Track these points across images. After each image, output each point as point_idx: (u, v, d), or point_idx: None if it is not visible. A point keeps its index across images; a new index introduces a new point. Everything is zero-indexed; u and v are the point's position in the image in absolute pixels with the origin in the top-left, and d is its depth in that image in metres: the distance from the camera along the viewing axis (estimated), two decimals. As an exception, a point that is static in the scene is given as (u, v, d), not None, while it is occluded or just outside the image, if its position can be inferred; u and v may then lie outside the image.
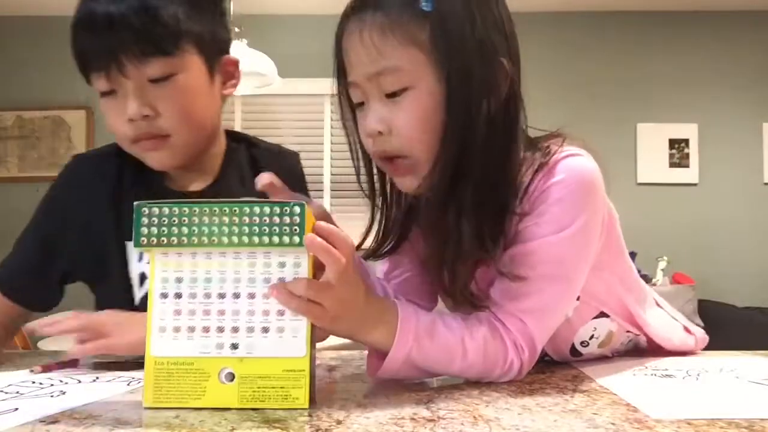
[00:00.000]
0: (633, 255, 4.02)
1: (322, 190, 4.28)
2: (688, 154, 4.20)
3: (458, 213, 0.73)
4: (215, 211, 0.61)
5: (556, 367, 0.84)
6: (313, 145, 4.31)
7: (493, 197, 0.74)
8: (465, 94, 0.71)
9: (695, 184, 4.20)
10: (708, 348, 1.05)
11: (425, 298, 0.89)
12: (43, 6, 4.08)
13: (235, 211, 0.61)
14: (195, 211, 0.61)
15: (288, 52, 3.81)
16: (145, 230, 0.61)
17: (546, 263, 0.73)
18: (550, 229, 0.73)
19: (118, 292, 0.98)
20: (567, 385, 0.73)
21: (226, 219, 0.61)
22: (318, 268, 0.62)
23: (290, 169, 1.09)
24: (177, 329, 0.62)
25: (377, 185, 0.82)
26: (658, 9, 4.18)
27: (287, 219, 0.60)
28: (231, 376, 0.61)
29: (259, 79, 2.73)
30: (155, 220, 0.62)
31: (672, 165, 4.20)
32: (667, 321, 0.99)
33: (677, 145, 4.20)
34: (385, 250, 0.84)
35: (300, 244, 0.60)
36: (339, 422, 0.56)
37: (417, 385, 0.73)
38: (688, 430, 0.54)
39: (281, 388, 0.61)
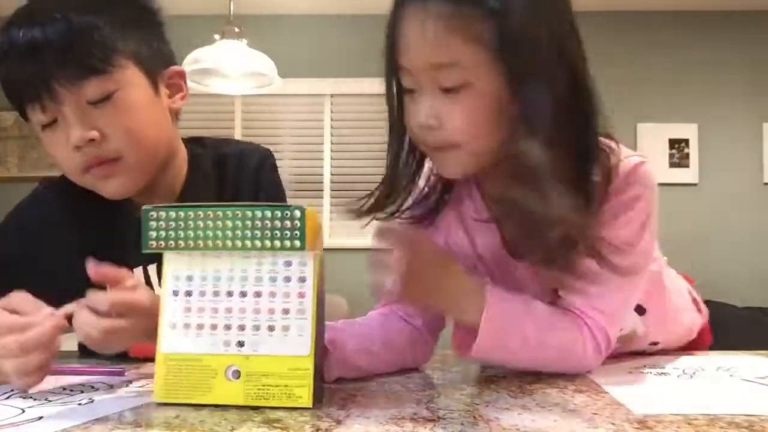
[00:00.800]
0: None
1: (322, 190, 4.28)
2: (688, 154, 4.19)
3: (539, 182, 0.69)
4: (219, 215, 0.62)
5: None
6: (313, 145, 4.31)
7: (574, 188, 0.72)
8: (530, 93, 0.69)
9: (695, 184, 4.20)
10: (708, 348, 1.05)
11: None
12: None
13: (237, 215, 0.62)
14: (199, 215, 0.63)
15: (288, 52, 3.81)
16: (153, 234, 0.64)
17: (627, 272, 0.75)
18: (631, 237, 0.76)
19: None
20: (567, 385, 0.73)
21: (229, 223, 0.62)
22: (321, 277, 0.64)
23: (256, 170, 1.05)
24: (187, 326, 0.64)
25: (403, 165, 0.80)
26: (658, 9, 4.18)
27: (288, 223, 0.61)
28: (237, 374, 0.62)
29: (259, 79, 2.73)
30: (162, 224, 0.64)
31: (672, 165, 4.20)
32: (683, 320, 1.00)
33: (677, 145, 4.20)
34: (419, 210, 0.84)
35: (301, 248, 0.61)
36: (339, 422, 0.56)
37: (417, 385, 0.73)
38: (688, 429, 0.54)
39: (285, 386, 0.61)
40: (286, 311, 0.62)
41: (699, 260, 3.99)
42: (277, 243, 0.61)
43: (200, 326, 0.63)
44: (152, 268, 0.97)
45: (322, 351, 0.66)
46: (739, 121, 4.18)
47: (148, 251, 0.64)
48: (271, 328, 0.62)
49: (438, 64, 0.69)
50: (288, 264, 0.63)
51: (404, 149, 0.79)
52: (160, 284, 0.96)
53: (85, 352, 0.99)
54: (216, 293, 0.64)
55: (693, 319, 1.01)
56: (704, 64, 4.18)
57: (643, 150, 4.16)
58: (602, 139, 0.77)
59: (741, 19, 4.19)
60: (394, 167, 0.79)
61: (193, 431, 0.55)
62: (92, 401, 0.66)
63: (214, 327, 0.63)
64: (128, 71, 0.88)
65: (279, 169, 1.10)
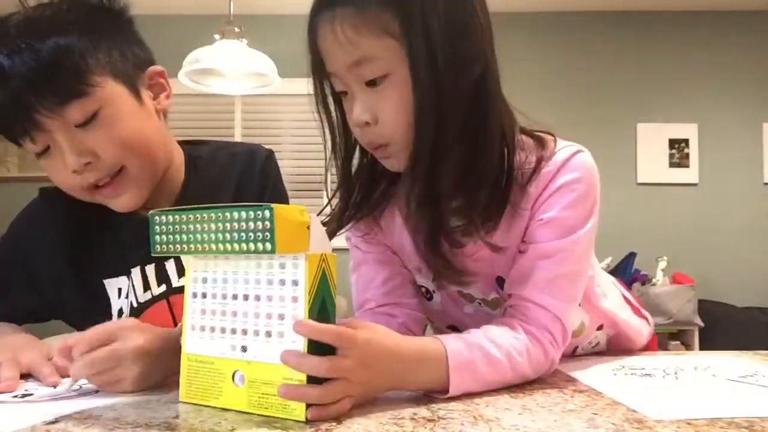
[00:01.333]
0: (633, 255, 4.02)
1: (321, 190, 4.28)
2: (688, 154, 4.19)
3: (440, 189, 0.75)
4: (204, 217, 0.61)
5: (557, 367, 0.84)
6: (313, 145, 4.30)
7: (475, 174, 0.76)
8: (434, 78, 0.72)
9: (695, 184, 4.20)
10: (708, 348, 1.06)
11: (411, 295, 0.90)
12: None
13: (216, 217, 0.60)
14: (191, 218, 0.62)
15: (288, 52, 3.80)
16: (157, 238, 0.64)
17: (571, 260, 0.77)
18: (576, 225, 0.78)
19: None
20: (567, 385, 0.73)
21: (212, 225, 0.60)
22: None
23: (262, 169, 1.04)
24: (203, 328, 0.64)
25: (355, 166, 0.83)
26: (658, 9, 4.18)
27: (259, 224, 0.57)
28: (243, 379, 0.61)
29: (259, 79, 2.72)
30: (165, 228, 0.63)
31: (672, 165, 4.20)
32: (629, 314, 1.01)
33: (677, 145, 4.20)
34: (357, 213, 0.84)
35: (272, 251, 0.57)
36: (339, 422, 0.56)
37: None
38: (687, 429, 0.54)
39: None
40: (281, 316, 0.59)
41: (699, 260, 3.99)
42: (251, 246, 0.58)
43: (213, 329, 0.63)
44: (150, 269, 0.97)
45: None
46: (739, 121, 4.18)
47: (155, 255, 0.64)
48: (268, 334, 0.60)
49: (356, 62, 0.73)
50: (282, 266, 0.60)
51: (353, 155, 0.82)
52: (158, 285, 0.97)
53: None
54: (224, 296, 0.63)
55: (627, 314, 1.01)
56: (704, 64, 4.18)
57: (643, 150, 4.17)
58: (535, 132, 0.81)
59: (741, 20, 4.19)
60: (346, 176, 0.83)
61: (192, 431, 0.55)
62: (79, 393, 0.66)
63: (223, 330, 0.62)
64: (107, 86, 0.86)
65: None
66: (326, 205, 0.87)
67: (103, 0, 0.91)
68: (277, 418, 0.58)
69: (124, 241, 0.97)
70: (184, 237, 0.62)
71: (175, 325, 0.94)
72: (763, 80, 4.18)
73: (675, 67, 4.19)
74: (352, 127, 0.78)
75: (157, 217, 0.64)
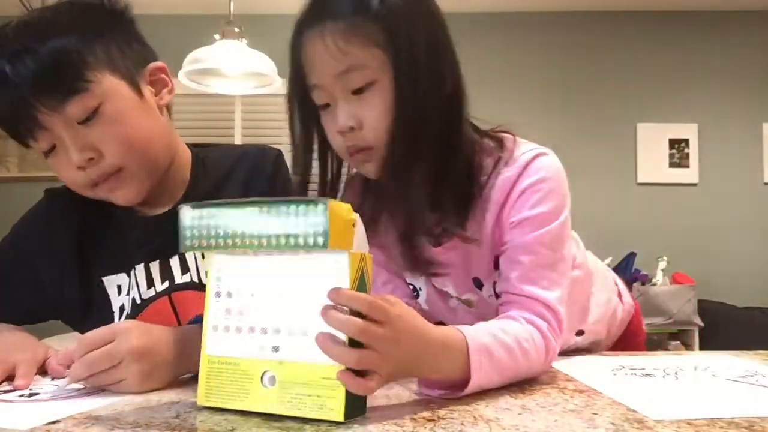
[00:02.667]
0: (633, 255, 4.01)
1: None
2: (688, 154, 4.19)
3: (415, 190, 0.80)
4: (246, 211, 0.58)
5: (556, 368, 0.84)
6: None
7: (447, 177, 0.81)
8: (416, 86, 0.77)
9: (695, 184, 4.19)
10: (708, 348, 1.07)
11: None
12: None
13: (263, 210, 0.57)
14: (228, 212, 0.59)
15: (288, 52, 3.80)
16: (188, 233, 0.61)
17: (553, 248, 0.80)
18: (549, 218, 0.81)
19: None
20: (567, 385, 0.73)
21: (255, 219, 0.57)
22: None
23: (273, 170, 1.06)
24: (227, 328, 0.62)
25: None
26: (659, 9, 4.17)
27: (311, 219, 0.55)
28: (273, 380, 0.59)
29: (259, 79, 2.72)
30: (196, 222, 0.60)
31: (672, 165, 4.19)
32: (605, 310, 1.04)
33: (677, 145, 4.19)
34: None
35: (324, 246, 0.55)
36: (339, 423, 0.56)
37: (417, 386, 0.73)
38: (687, 429, 0.54)
39: (318, 396, 0.56)
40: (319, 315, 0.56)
41: (699, 260, 3.99)
42: (301, 240, 0.55)
43: (239, 329, 0.61)
44: (155, 266, 0.97)
45: None
46: (739, 121, 4.18)
47: (184, 251, 0.62)
48: (304, 333, 0.57)
49: (344, 71, 0.77)
50: (321, 263, 0.57)
51: (330, 165, 0.87)
52: (161, 281, 0.97)
53: None
54: (253, 294, 0.61)
55: (610, 301, 1.05)
56: (704, 64, 4.18)
57: (643, 150, 4.17)
58: (496, 134, 0.86)
59: (741, 20, 4.18)
60: (323, 185, 0.87)
61: (192, 431, 0.55)
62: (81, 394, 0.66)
63: (251, 330, 0.60)
64: (105, 82, 0.87)
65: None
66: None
67: (104, 2, 0.93)
68: (315, 421, 0.56)
69: (128, 240, 0.98)
70: (220, 231, 0.59)
71: (178, 321, 0.95)
72: (763, 80, 4.18)
73: (675, 67, 4.18)
74: (333, 135, 0.81)
75: (187, 211, 0.61)
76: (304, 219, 0.55)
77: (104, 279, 0.97)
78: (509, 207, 0.82)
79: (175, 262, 0.98)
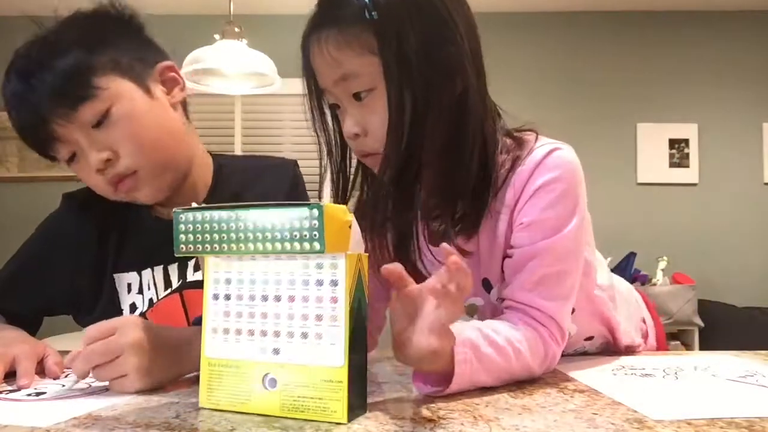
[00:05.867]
0: (633, 255, 4.00)
1: (322, 190, 4.27)
2: (688, 154, 4.19)
3: (414, 197, 0.79)
4: (240, 216, 0.59)
5: (556, 367, 0.84)
6: (313, 145, 4.29)
7: (452, 186, 0.79)
8: (411, 91, 0.75)
9: (695, 184, 4.19)
10: (708, 348, 1.06)
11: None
12: (45, 6, 4.08)
13: (258, 215, 0.58)
14: (223, 216, 0.59)
15: (288, 52, 3.79)
16: (182, 237, 0.61)
17: (560, 258, 0.78)
18: (559, 225, 0.78)
19: None
20: (567, 385, 0.73)
21: (250, 224, 0.58)
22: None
23: (292, 182, 1.08)
24: (226, 331, 0.62)
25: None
26: (658, 9, 4.17)
27: (306, 223, 0.56)
28: (274, 382, 0.59)
29: (259, 79, 2.72)
30: (191, 226, 0.61)
31: (672, 165, 4.19)
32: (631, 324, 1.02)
33: (677, 145, 4.19)
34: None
35: (321, 251, 0.56)
36: (341, 423, 0.56)
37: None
38: (687, 429, 0.54)
39: (319, 399, 0.57)
40: (319, 317, 0.57)
41: (699, 260, 3.99)
42: (297, 245, 0.56)
43: (239, 331, 0.61)
44: (173, 268, 0.99)
45: (363, 360, 0.60)
46: (739, 121, 4.18)
47: (179, 255, 0.62)
48: (304, 335, 0.58)
49: (341, 78, 0.77)
50: (319, 266, 0.58)
51: (347, 163, 0.87)
52: (177, 281, 0.98)
53: None
54: (252, 297, 0.61)
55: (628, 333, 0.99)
56: (704, 64, 4.18)
57: (643, 150, 4.16)
58: (515, 133, 0.83)
59: (741, 20, 4.18)
60: (341, 172, 0.88)
61: (192, 431, 0.55)
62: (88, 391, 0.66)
63: (251, 332, 0.60)
64: (114, 85, 0.90)
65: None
66: None
67: (110, 10, 0.95)
68: (314, 421, 0.56)
69: (146, 242, 1.00)
70: (215, 236, 0.59)
71: (187, 318, 0.96)
72: (763, 80, 4.18)
73: (675, 67, 4.18)
74: (346, 137, 0.82)
75: (182, 215, 0.61)
76: (299, 222, 0.56)
77: (115, 276, 1.00)
78: (520, 206, 0.79)
79: (192, 262, 1.00)
